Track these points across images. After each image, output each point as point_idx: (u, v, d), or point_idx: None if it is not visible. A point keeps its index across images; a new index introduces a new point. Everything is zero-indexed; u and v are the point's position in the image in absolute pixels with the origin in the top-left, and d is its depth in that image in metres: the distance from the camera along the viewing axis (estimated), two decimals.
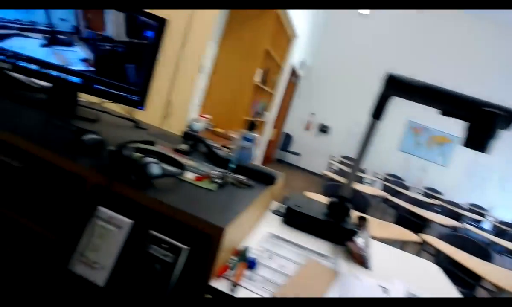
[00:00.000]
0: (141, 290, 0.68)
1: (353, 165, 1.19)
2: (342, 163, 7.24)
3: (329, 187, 3.79)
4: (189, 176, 0.89)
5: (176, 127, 2.71)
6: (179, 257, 0.66)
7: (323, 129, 9.69)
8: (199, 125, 4.00)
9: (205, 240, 0.67)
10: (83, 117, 1.20)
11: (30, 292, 0.87)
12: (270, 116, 6.73)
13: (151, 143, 0.96)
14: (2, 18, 1.10)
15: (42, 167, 0.82)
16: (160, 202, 0.70)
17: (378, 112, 1.10)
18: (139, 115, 1.52)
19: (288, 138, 9.77)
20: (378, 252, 1.20)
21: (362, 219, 1.25)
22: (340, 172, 5.77)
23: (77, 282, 0.72)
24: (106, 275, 0.70)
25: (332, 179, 4.78)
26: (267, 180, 1.12)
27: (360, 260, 1.05)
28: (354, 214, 1.27)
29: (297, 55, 7.35)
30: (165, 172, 0.78)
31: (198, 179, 0.89)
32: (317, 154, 9.66)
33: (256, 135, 1.19)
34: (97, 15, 1.17)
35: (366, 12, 8.06)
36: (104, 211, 0.72)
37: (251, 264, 0.80)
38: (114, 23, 1.18)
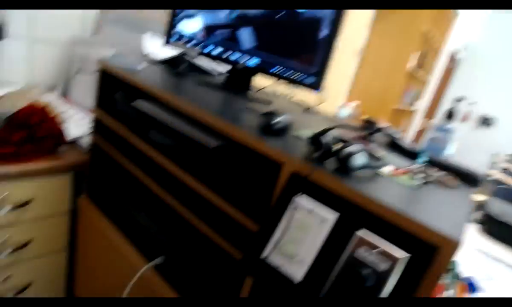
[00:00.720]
0: (344, 294, 0.60)
1: None
2: (509, 162, 6.05)
3: (502, 192, 3.19)
4: (385, 169, 0.77)
5: (328, 113, 2.62)
6: (395, 266, 0.56)
7: (486, 121, 8.28)
8: (346, 112, 3.81)
9: (426, 252, 0.55)
10: (260, 100, 1.20)
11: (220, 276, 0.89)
12: (422, 105, 6.06)
13: (356, 128, 0.88)
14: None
15: (236, 149, 0.81)
16: (369, 199, 0.60)
17: None
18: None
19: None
20: None
21: None
22: (508, 173, 4.83)
23: (270, 273, 0.68)
24: (304, 271, 0.64)
25: (500, 182, 4.00)
26: (470, 180, 0.92)
27: None
28: None
29: (458, 36, 6.39)
30: (369, 164, 0.69)
31: (397, 173, 0.76)
32: (474, 151, 8.32)
33: (453, 126, 0.99)
34: None
35: None
36: (305, 201, 0.66)
37: (471, 287, 0.64)
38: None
